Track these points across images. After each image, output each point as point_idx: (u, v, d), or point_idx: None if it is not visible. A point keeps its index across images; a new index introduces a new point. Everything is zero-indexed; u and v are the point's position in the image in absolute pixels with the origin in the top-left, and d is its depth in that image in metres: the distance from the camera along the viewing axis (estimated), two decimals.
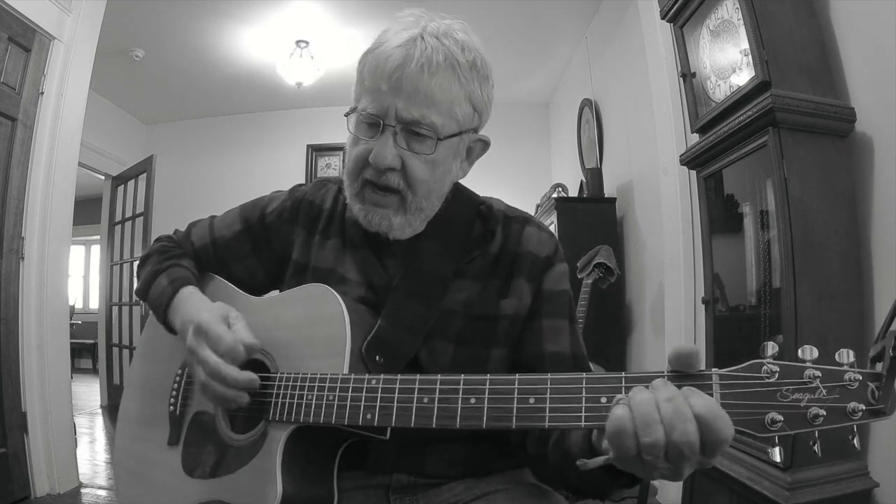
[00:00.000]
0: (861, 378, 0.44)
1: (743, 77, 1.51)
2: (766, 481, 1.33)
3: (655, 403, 0.45)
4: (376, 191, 0.73)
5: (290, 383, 0.68)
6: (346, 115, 0.76)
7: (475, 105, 0.75)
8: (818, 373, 0.45)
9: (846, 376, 0.44)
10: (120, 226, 4.58)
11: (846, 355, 0.45)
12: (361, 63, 0.74)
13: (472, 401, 0.56)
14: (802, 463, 1.28)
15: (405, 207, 0.74)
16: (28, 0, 2.28)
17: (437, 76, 0.69)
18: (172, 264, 0.85)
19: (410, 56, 0.68)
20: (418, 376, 0.60)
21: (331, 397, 0.64)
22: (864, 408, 0.44)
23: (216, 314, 0.72)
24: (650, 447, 0.45)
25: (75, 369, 5.09)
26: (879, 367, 0.44)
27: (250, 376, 0.68)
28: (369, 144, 0.72)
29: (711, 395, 0.47)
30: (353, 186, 0.75)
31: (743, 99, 1.49)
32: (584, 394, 0.51)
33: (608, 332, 3.00)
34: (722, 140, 1.57)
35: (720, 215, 1.74)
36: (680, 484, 1.84)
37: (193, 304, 0.77)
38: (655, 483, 2.42)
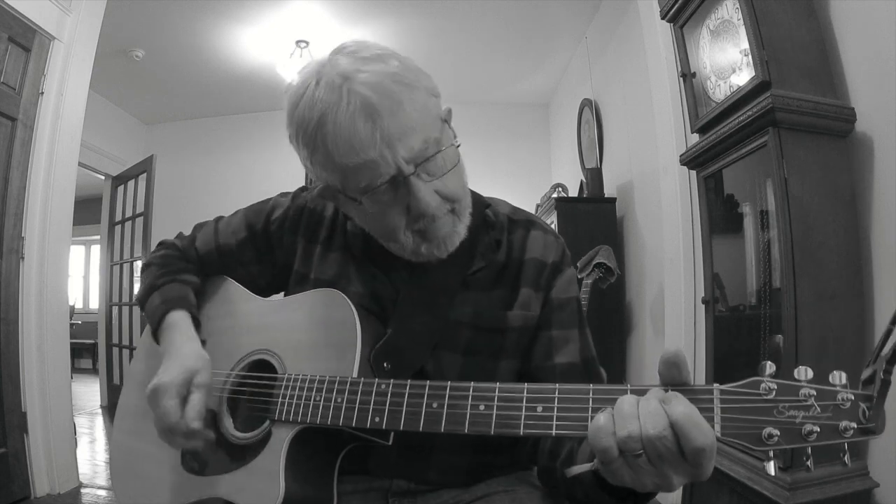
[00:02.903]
0: (853, 398, 0.46)
1: (743, 77, 1.51)
2: (766, 481, 1.33)
3: (636, 404, 0.48)
4: (433, 226, 0.70)
5: (298, 384, 0.68)
6: (351, 197, 0.70)
7: (432, 92, 0.70)
8: (813, 392, 0.47)
9: (839, 396, 0.46)
10: (120, 226, 4.58)
11: (839, 377, 0.47)
12: (314, 146, 0.68)
13: (482, 407, 0.56)
14: (802, 463, 1.28)
15: (458, 216, 0.73)
16: (28, 0, 2.28)
17: (402, 100, 0.64)
18: (168, 280, 0.85)
19: (371, 106, 0.63)
20: (428, 382, 0.60)
21: (339, 399, 0.63)
22: (855, 426, 0.46)
23: (179, 378, 0.70)
24: (626, 440, 0.47)
25: (75, 369, 5.09)
26: (871, 389, 0.46)
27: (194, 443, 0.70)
28: (399, 204, 0.68)
29: (712, 408, 0.48)
30: (406, 244, 0.71)
31: (743, 99, 1.49)
32: (590, 404, 0.52)
33: (608, 332, 3.01)
34: (722, 140, 1.57)
35: (720, 215, 1.74)
36: None
37: (173, 339, 0.77)
38: None
